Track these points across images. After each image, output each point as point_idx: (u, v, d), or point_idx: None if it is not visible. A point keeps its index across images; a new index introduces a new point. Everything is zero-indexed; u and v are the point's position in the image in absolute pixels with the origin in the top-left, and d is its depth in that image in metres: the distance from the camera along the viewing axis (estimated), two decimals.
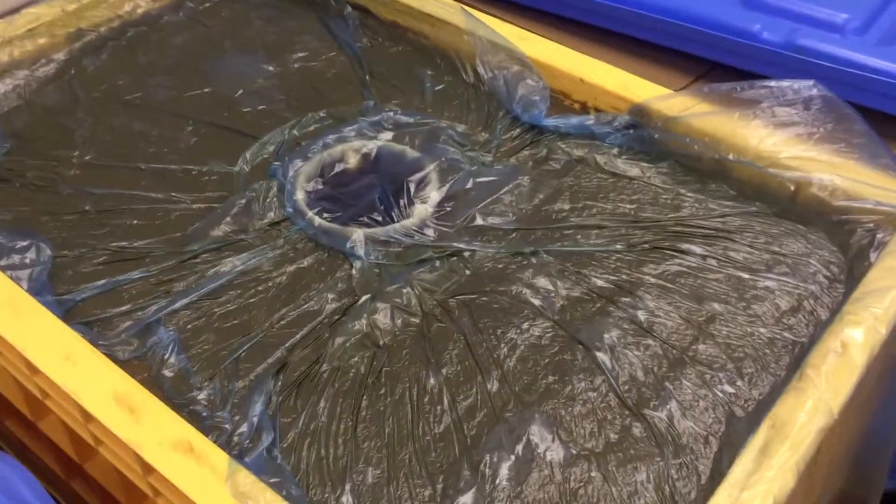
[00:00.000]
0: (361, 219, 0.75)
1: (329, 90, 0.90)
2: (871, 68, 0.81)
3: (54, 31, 0.93)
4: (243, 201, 0.75)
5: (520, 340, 0.64)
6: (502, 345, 0.64)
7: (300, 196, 0.76)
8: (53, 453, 0.74)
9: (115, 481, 0.65)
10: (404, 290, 0.67)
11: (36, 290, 0.66)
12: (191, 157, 0.81)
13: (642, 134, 0.80)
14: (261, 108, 0.87)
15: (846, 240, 0.70)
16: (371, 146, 0.81)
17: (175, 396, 0.61)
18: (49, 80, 0.91)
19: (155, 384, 0.61)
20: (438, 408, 0.60)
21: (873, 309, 0.60)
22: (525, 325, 0.65)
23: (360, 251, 0.71)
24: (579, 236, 0.72)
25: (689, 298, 0.67)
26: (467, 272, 0.70)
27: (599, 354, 0.63)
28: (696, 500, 0.55)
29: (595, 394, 0.61)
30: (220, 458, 0.54)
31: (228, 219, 0.74)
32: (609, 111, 0.83)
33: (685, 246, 0.71)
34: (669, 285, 0.68)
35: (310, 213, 0.74)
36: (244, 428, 0.58)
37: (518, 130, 0.84)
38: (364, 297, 0.67)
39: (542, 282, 0.68)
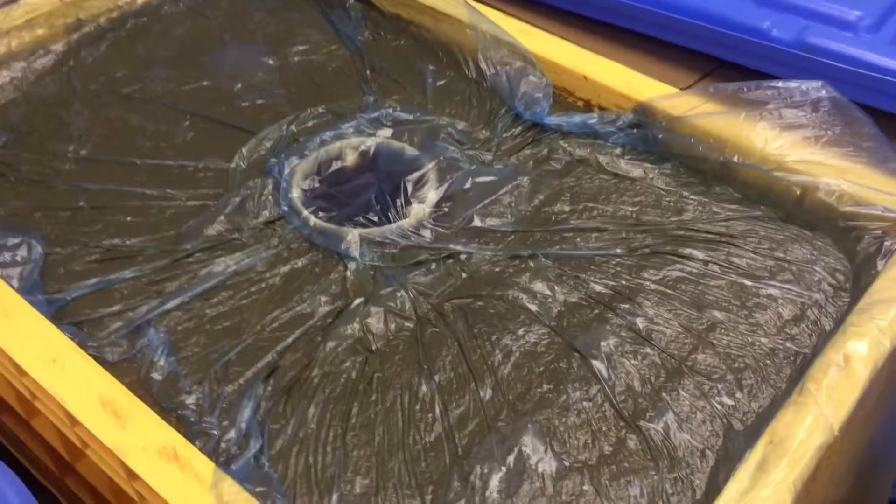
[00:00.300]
0: (357, 218, 0.73)
1: (329, 85, 0.88)
2: (882, 68, 0.79)
3: (53, 21, 0.92)
4: (238, 199, 0.74)
5: (515, 347, 0.63)
6: (497, 351, 0.63)
7: (296, 194, 0.75)
8: (47, 450, 0.73)
9: (104, 482, 0.64)
10: (399, 294, 0.66)
11: (26, 289, 0.66)
12: (187, 152, 0.80)
13: (646, 133, 0.78)
14: (259, 102, 0.86)
15: (853, 247, 0.68)
16: (369, 143, 0.80)
17: (163, 400, 0.60)
18: (47, 72, 0.90)
19: (143, 387, 0.60)
20: (430, 416, 0.59)
21: (878, 321, 0.59)
22: (521, 332, 0.64)
23: (355, 252, 0.69)
24: (579, 239, 0.71)
25: (689, 306, 0.65)
26: (463, 275, 0.68)
27: (596, 363, 0.61)
28: None
29: (590, 404, 0.60)
30: (206, 466, 0.53)
31: (222, 217, 0.72)
32: (613, 109, 0.81)
33: (687, 251, 0.69)
34: (670, 292, 0.66)
35: (305, 213, 0.73)
36: (232, 434, 0.57)
37: (520, 128, 0.82)
38: (357, 301, 0.66)
39: (540, 286, 0.67)
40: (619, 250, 0.70)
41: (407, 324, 0.65)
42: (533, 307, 0.66)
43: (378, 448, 0.57)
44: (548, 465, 0.56)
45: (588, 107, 0.83)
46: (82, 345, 0.62)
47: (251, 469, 0.55)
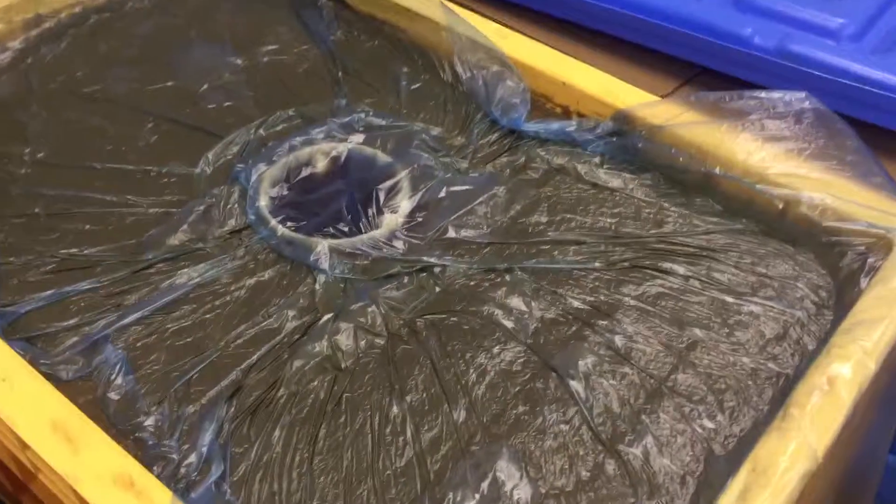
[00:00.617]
0: (327, 228, 0.71)
1: (299, 87, 0.85)
2: (864, 78, 0.77)
3: (11, 16, 0.88)
4: (202, 207, 0.71)
5: (490, 366, 0.61)
6: (471, 370, 0.60)
7: (263, 202, 0.72)
8: (2, 468, 0.70)
9: None
10: (369, 309, 0.64)
11: None
12: (150, 156, 0.77)
13: (626, 142, 0.76)
14: (226, 104, 0.83)
15: (836, 262, 0.67)
16: (341, 149, 0.77)
17: (120, 422, 0.57)
18: (3, 70, 0.86)
19: (99, 407, 0.57)
20: (401, 439, 0.56)
21: (862, 342, 0.57)
22: (496, 349, 0.62)
23: (325, 264, 0.67)
24: (556, 252, 0.69)
25: (669, 323, 0.63)
26: (437, 289, 0.66)
27: (573, 383, 0.59)
28: None
29: (567, 426, 0.57)
30: (163, 494, 0.50)
31: (185, 226, 0.69)
32: (592, 117, 0.79)
33: (667, 265, 0.67)
34: (649, 308, 0.64)
35: (273, 222, 0.70)
36: (192, 459, 0.54)
37: (496, 135, 0.80)
38: (326, 316, 0.63)
39: (516, 302, 0.65)
40: (597, 264, 0.68)
41: (378, 341, 0.62)
42: (509, 324, 0.63)
43: (346, 473, 0.55)
44: (523, 491, 0.54)
45: (566, 113, 0.81)
46: (34, 362, 0.59)
47: (212, 497, 0.52)
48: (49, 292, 0.65)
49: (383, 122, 0.80)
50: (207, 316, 0.64)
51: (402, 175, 0.74)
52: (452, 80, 0.85)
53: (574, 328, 0.63)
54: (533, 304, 0.65)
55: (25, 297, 0.64)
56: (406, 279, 0.67)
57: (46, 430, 0.53)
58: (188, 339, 0.62)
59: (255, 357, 0.61)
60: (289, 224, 0.71)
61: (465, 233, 0.70)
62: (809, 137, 0.69)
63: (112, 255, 0.68)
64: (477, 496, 0.53)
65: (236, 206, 0.72)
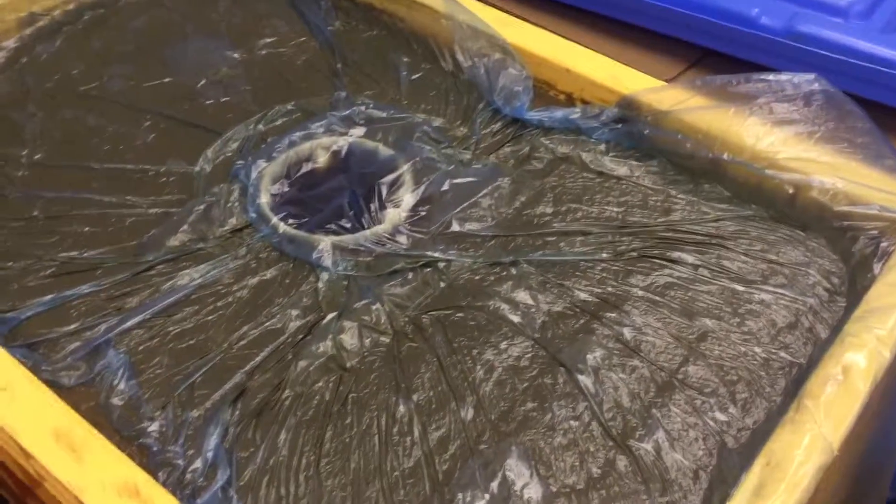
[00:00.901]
0: (329, 225, 0.69)
1: (298, 80, 0.84)
2: (873, 57, 0.75)
3: (4, 15, 0.87)
4: (202, 206, 0.70)
5: (497, 362, 0.60)
6: (478, 367, 0.59)
7: (264, 200, 0.71)
8: (8, 473, 0.69)
9: None
10: (373, 307, 0.63)
11: None
12: (148, 155, 0.76)
13: (631, 129, 0.75)
14: (224, 100, 0.82)
15: (848, 248, 0.65)
16: (341, 143, 0.76)
17: (124, 428, 0.56)
18: None
19: (102, 414, 0.57)
20: (408, 439, 0.56)
21: (877, 330, 0.56)
22: (503, 345, 0.61)
23: (328, 262, 0.66)
24: (563, 244, 0.68)
25: (679, 313, 0.62)
26: (442, 284, 0.65)
27: (582, 377, 0.58)
28: None
29: (577, 422, 0.56)
30: (169, 501, 0.50)
31: (186, 226, 0.68)
32: (596, 103, 0.78)
33: (676, 254, 0.66)
34: (658, 299, 0.63)
35: (274, 219, 0.69)
36: (198, 464, 0.54)
37: (499, 124, 0.78)
38: (330, 315, 0.62)
39: (522, 295, 0.64)
40: (604, 255, 0.66)
41: (383, 339, 0.61)
42: (515, 318, 0.62)
43: (354, 476, 0.54)
44: (534, 490, 0.53)
45: (570, 101, 0.80)
46: (36, 369, 0.58)
47: (218, 503, 0.51)
48: (49, 297, 0.64)
49: (384, 115, 0.78)
50: (210, 317, 0.63)
51: (405, 168, 0.73)
52: (454, 70, 0.84)
53: (582, 321, 0.62)
54: (539, 297, 0.64)
55: (26, 303, 0.64)
56: (410, 275, 0.66)
57: (49, 440, 0.52)
58: (191, 342, 0.62)
59: (258, 358, 0.60)
60: (290, 221, 0.70)
61: (470, 226, 0.69)
62: (819, 120, 0.68)
63: (112, 257, 0.67)
64: (487, 496, 0.52)
65: (237, 204, 0.71)
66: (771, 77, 0.69)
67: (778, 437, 0.52)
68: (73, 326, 0.62)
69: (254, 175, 0.72)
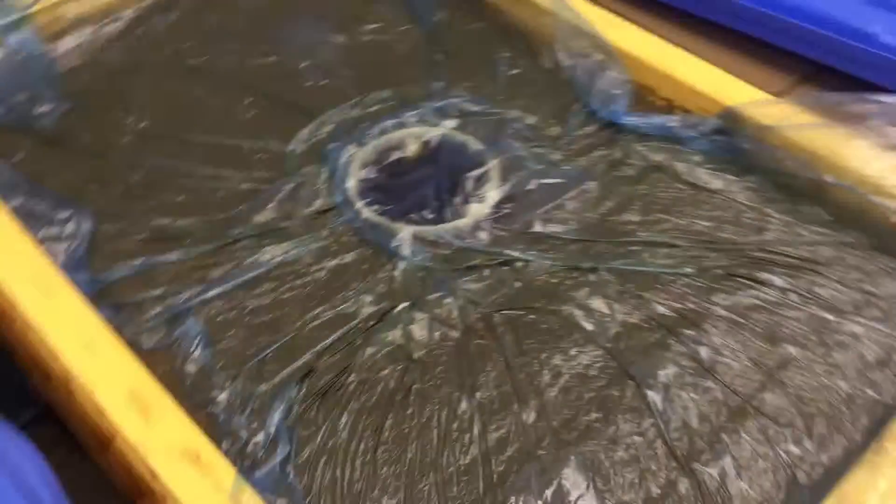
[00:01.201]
0: (412, 214, 0.70)
1: (397, 67, 0.85)
2: None
3: None
4: (291, 186, 0.71)
5: (565, 368, 0.59)
6: (545, 371, 0.59)
7: (352, 184, 0.72)
8: (88, 428, 0.72)
9: (132, 471, 0.63)
10: (446, 300, 0.63)
11: (71, 267, 0.64)
12: (245, 131, 0.78)
13: (731, 142, 0.72)
14: (323, 82, 0.83)
15: None
16: (432, 134, 0.76)
17: (194, 394, 0.58)
18: (114, 39, 0.88)
19: (176, 379, 0.58)
20: (467, 437, 0.55)
21: None
22: (573, 352, 0.60)
23: (406, 251, 0.66)
24: (646, 254, 0.66)
25: (761, 337, 0.60)
26: (517, 284, 0.64)
27: (651, 393, 0.57)
28: None
29: (641, 439, 0.55)
30: (228, 472, 0.51)
31: (273, 204, 0.70)
32: (697, 113, 0.75)
33: (765, 276, 0.64)
34: (741, 320, 0.61)
35: (358, 204, 0.70)
36: (260, 437, 0.55)
37: (593, 127, 0.77)
38: (402, 305, 0.62)
39: (598, 303, 0.62)
40: (688, 269, 0.64)
41: (452, 333, 0.61)
42: (588, 326, 0.61)
43: (409, 467, 0.54)
44: (588, 503, 0.52)
45: (670, 108, 0.78)
46: (119, 329, 0.60)
47: (275, 478, 0.52)
48: (139, 262, 0.66)
49: (478, 109, 0.78)
50: (286, 295, 0.64)
51: (492, 164, 0.72)
52: (553, 68, 0.82)
53: (657, 335, 0.60)
54: (616, 306, 0.62)
55: (116, 265, 0.66)
56: (486, 272, 0.65)
57: (122, 399, 0.54)
58: (266, 318, 0.63)
59: (329, 340, 0.61)
60: (374, 207, 0.70)
61: (552, 227, 0.68)
62: None
63: (201, 228, 0.69)
64: (539, 503, 0.52)
65: (324, 186, 0.72)
66: (886, 98, 0.65)
67: (853, 478, 0.49)
68: (157, 292, 0.64)
69: (343, 159, 0.73)
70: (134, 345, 0.59)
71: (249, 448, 0.54)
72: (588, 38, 0.80)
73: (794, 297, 0.62)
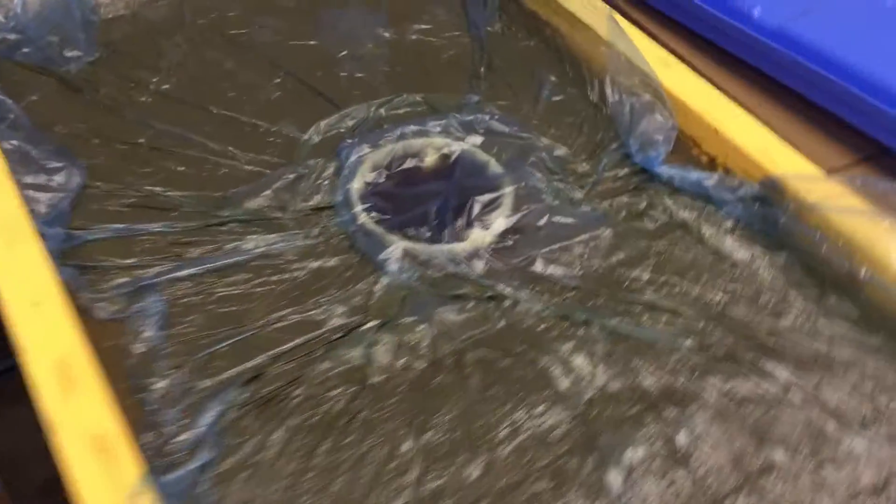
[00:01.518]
0: (410, 229, 0.65)
1: (437, 72, 0.81)
2: None
3: None
4: (293, 176, 0.68)
5: (526, 426, 0.54)
6: (504, 425, 0.54)
7: (357, 185, 0.68)
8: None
9: None
10: (420, 327, 0.58)
11: (49, 220, 0.62)
12: (266, 111, 0.75)
13: (767, 213, 0.66)
14: (358, 75, 0.80)
15: None
16: (454, 148, 0.72)
17: (134, 376, 0.55)
18: None
19: (120, 356, 0.55)
20: (402, 479, 0.51)
21: None
22: (540, 409, 0.55)
23: (393, 266, 0.62)
24: (646, 317, 0.60)
25: (749, 434, 0.54)
26: (501, 323, 0.60)
27: (612, 472, 0.52)
28: None
29: None
30: (134, 469, 0.47)
31: (269, 192, 0.67)
32: (738, 174, 0.69)
33: (770, 365, 0.58)
34: (731, 410, 0.55)
35: (357, 208, 0.66)
36: (186, 436, 0.51)
37: (626, 170, 0.72)
38: (372, 323, 0.58)
39: (580, 361, 0.57)
40: (688, 342, 0.59)
41: (417, 364, 0.57)
42: (564, 384, 0.56)
43: (332, 500, 0.50)
44: None
45: (712, 164, 0.72)
46: (76, 293, 0.58)
47: (184, 486, 0.49)
48: (121, 226, 0.64)
49: (507, 129, 0.74)
50: (258, 290, 0.61)
51: (507, 191, 0.68)
52: (598, 101, 0.77)
53: (635, 409, 0.55)
54: (599, 368, 0.57)
55: (97, 225, 0.64)
56: (472, 304, 0.61)
57: (49, 366, 0.51)
58: (231, 308, 0.60)
59: (288, 346, 0.57)
60: (373, 214, 0.66)
61: (553, 269, 0.63)
62: None
63: (192, 202, 0.66)
64: None
65: (327, 182, 0.68)
66: None
67: None
68: (129, 261, 0.62)
69: (353, 158, 0.69)
70: (86, 312, 0.57)
71: (170, 446, 0.51)
72: (640, 75, 0.74)
73: (796, 395, 0.56)
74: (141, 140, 0.71)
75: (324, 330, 0.58)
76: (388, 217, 0.67)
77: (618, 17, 0.79)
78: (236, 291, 0.61)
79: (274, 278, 0.62)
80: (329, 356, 0.56)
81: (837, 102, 0.73)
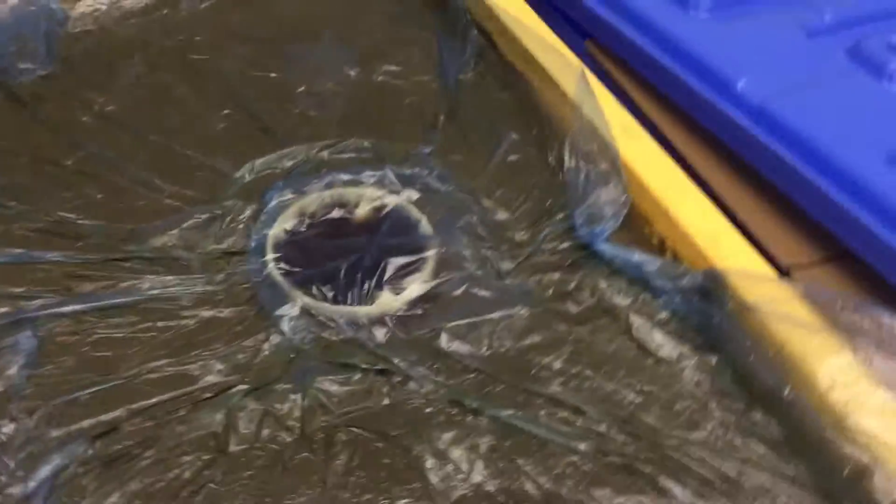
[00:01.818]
0: (317, 284, 0.62)
1: (395, 118, 0.77)
2: None
3: None
4: (204, 216, 0.65)
5: None
6: None
7: (274, 231, 0.65)
8: None
9: None
10: (293, 396, 0.54)
11: None
12: (205, 143, 0.72)
13: (704, 309, 0.60)
14: (311, 114, 0.77)
15: None
16: (386, 202, 0.68)
17: None
18: (135, 14, 0.85)
19: None
20: None
21: None
22: (402, 503, 0.50)
23: (286, 325, 0.58)
24: (545, 412, 0.55)
25: None
26: (385, 401, 0.55)
27: None
28: None
29: None
30: None
31: (177, 231, 0.64)
32: (686, 261, 0.64)
33: (669, 484, 0.52)
34: None
35: (268, 256, 0.63)
36: (16, 490, 0.48)
37: (567, 244, 0.67)
38: (242, 387, 0.55)
39: (458, 454, 0.53)
40: (584, 446, 0.53)
41: (282, 436, 0.53)
42: (434, 479, 0.51)
43: None
44: None
45: (662, 247, 0.66)
46: None
47: None
48: (19, 251, 0.62)
49: (448, 187, 0.69)
50: (141, 335, 0.58)
51: (429, 254, 0.64)
52: (556, 164, 0.73)
53: None
54: (477, 465, 0.52)
55: None
56: (359, 375, 0.56)
57: None
58: (106, 354, 0.57)
59: (152, 400, 0.54)
60: (282, 265, 0.63)
61: (458, 346, 0.59)
62: None
63: (100, 234, 0.64)
64: None
65: (242, 226, 0.65)
66: (887, 318, 0.53)
67: None
68: (17, 290, 0.59)
69: (275, 202, 0.66)
70: None
71: None
72: (599, 143, 0.69)
73: None
74: (69, 162, 0.69)
75: (195, 388, 0.55)
76: (298, 269, 0.63)
77: (590, 76, 0.75)
78: (117, 335, 0.58)
79: (160, 324, 0.59)
80: (189, 418, 0.53)
81: (809, 199, 0.66)
